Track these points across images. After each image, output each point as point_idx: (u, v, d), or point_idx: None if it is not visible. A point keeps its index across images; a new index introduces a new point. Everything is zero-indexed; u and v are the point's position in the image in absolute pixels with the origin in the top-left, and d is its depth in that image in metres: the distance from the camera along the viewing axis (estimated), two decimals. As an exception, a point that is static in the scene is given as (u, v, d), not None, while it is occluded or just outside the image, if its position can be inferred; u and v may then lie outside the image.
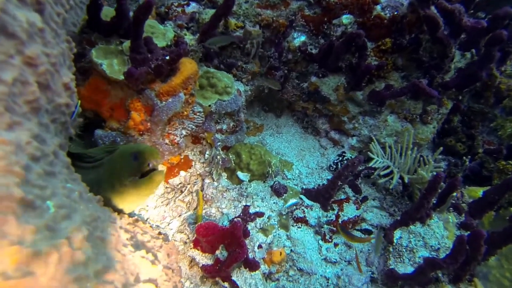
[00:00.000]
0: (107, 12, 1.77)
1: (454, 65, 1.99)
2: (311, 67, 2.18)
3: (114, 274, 0.75)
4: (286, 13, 2.03)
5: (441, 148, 1.91)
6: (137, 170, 1.35)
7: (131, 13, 1.69)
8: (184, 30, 1.95)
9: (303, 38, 2.08)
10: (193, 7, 2.03)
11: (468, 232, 1.73)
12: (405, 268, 1.70)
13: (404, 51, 1.96)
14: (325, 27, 2.01)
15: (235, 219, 1.95)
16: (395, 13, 1.87)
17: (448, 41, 1.76)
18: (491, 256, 1.57)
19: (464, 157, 2.16)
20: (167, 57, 1.70)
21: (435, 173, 1.59)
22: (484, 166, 2.11)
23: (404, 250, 1.73)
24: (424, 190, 1.62)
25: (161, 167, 2.12)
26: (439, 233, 1.70)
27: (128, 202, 1.44)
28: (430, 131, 2.15)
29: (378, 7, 1.90)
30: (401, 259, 1.73)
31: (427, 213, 1.69)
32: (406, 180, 1.92)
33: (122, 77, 1.64)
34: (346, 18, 1.93)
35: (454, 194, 1.72)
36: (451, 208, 1.82)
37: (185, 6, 2.01)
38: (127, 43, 1.72)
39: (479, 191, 1.82)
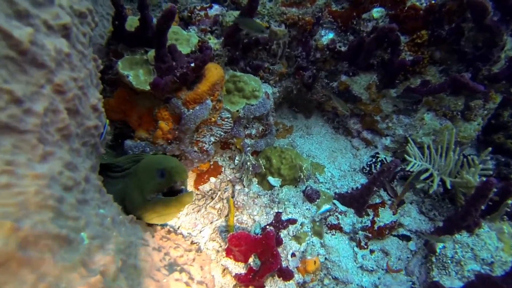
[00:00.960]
0: (132, 22, 1.77)
1: (505, 54, 1.80)
2: (340, 65, 2.07)
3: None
4: (312, 10, 1.93)
5: (490, 148, 1.75)
6: (162, 188, 1.32)
7: (154, 21, 1.67)
8: (208, 35, 1.91)
9: (331, 36, 1.98)
10: (216, 9, 1.98)
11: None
12: (451, 281, 1.58)
13: (442, 43, 1.81)
14: (354, 22, 1.89)
15: (267, 227, 1.91)
16: (433, 1, 1.72)
17: (498, 28, 1.59)
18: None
19: (513, 157, 1.98)
20: (192, 64, 1.66)
21: (484, 178, 1.45)
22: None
23: (449, 261, 1.61)
24: (471, 197, 1.48)
25: (190, 187, 2.11)
26: (491, 244, 1.56)
27: (153, 217, 1.37)
28: (474, 128, 1.98)
29: (413, -3, 1.76)
30: (447, 271, 1.61)
31: (475, 221, 1.56)
32: (448, 185, 1.77)
33: (148, 88, 1.63)
34: (377, 12, 1.80)
35: (510, 201, 1.57)
36: (505, 217, 1.66)
37: (208, 9, 1.97)
38: (151, 52, 1.71)
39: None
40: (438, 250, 1.67)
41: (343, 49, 1.99)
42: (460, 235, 1.64)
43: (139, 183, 1.37)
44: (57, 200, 0.68)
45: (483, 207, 1.67)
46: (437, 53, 1.88)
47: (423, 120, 2.01)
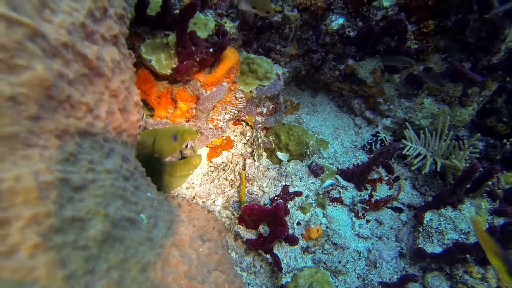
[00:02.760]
0: (153, 6, 1.83)
1: (506, 45, 1.90)
2: (348, 49, 2.16)
3: (194, 270, 0.93)
4: (325, -5, 1.99)
5: (478, 134, 1.91)
6: (176, 149, 1.47)
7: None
8: (224, 18, 1.97)
9: (341, 21, 2.05)
10: (231, -9, 2.03)
11: (503, 219, 1.80)
12: (433, 248, 1.82)
13: (448, 33, 1.89)
14: (364, 9, 1.96)
15: (276, 198, 2.13)
16: (443, -7, 1.79)
17: (501, 22, 1.68)
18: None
19: (504, 140, 2.14)
20: (211, 50, 1.77)
21: (470, 161, 1.63)
22: (525, 150, 2.09)
23: (434, 231, 1.84)
24: (458, 178, 1.68)
25: (200, 151, 2.30)
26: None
27: (168, 182, 1.54)
28: (469, 113, 2.13)
29: (424, -13, 1.81)
30: (431, 239, 1.85)
31: (459, 198, 1.76)
32: (438, 167, 1.96)
33: (170, 71, 1.74)
34: (387, 0, 1.86)
35: (490, 182, 1.77)
36: (485, 194, 1.87)
37: (224, -9, 2.01)
38: (172, 37, 1.80)
39: (516, 177, 1.84)
40: (425, 222, 1.90)
41: (352, 34, 2.06)
42: (445, 209, 1.86)
43: (157, 152, 1.55)
44: (122, 190, 0.86)
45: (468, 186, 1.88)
46: (442, 42, 1.96)
47: (422, 104, 2.14)
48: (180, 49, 1.69)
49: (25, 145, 0.62)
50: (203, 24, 1.88)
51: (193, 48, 1.73)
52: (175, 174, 1.53)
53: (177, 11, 1.68)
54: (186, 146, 1.54)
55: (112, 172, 0.84)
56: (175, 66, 1.71)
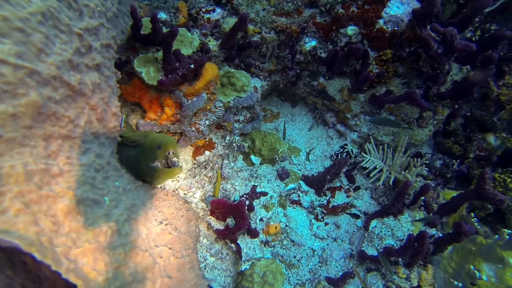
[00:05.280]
0: (147, 24, 2.17)
1: (451, 77, 2.13)
2: (321, 67, 2.43)
3: (142, 241, 1.26)
4: (298, 20, 2.26)
5: (424, 157, 2.15)
6: (160, 157, 1.79)
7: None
8: (208, 37, 2.29)
9: (313, 43, 2.32)
10: (218, 13, 2.34)
11: (432, 229, 2.05)
12: (373, 251, 2.09)
13: (404, 61, 2.14)
14: (333, 34, 2.22)
15: (245, 196, 2.44)
16: (396, 28, 2.03)
17: (441, 59, 1.92)
18: (443, 250, 1.90)
19: (454, 160, 2.37)
20: (192, 66, 2.08)
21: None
22: (470, 171, 2.32)
23: (375, 237, 2.11)
24: (396, 192, 1.94)
25: (185, 150, 2.63)
26: (406, 227, 2.05)
27: (153, 181, 1.88)
28: (426, 133, 2.37)
29: (381, 21, 2.06)
30: (372, 243, 2.12)
31: (399, 209, 2.02)
32: (392, 179, 2.22)
33: (156, 83, 2.07)
34: (351, 30, 2.12)
35: (423, 198, 2.02)
36: (423, 207, 2.12)
37: (211, 13, 2.33)
38: (160, 53, 2.13)
39: (452, 194, 2.08)
40: (370, 228, 2.17)
41: (323, 55, 2.34)
42: (388, 218, 2.12)
43: (145, 155, 1.88)
44: (92, 178, 1.19)
45: (410, 199, 2.14)
46: (401, 68, 2.21)
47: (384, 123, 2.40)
48: (165, 65, 2.02)
49: (20, 145, 0.96)
50: (189, 42, 2.20)
51: (177, 64, 2.05)
52: (159, 177, 1.87)
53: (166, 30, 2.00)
54: (169, 153, 1.86)
55: (85, 165, 1.18)
56: (160, 78, 2.04)
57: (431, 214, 2.07)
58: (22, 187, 0.90)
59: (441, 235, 2.03)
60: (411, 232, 2.02)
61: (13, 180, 0.89)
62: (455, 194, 2.04)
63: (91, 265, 0.97)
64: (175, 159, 1.87)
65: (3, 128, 0.91)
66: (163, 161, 1.86)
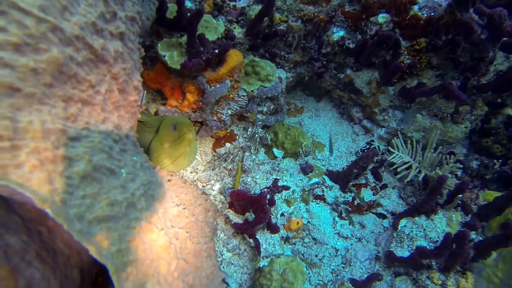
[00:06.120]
0: (172, 9, 2.15)
1: (495, 67, 1.97)
2: (348, 59, 2.33)
3: (157, 218, 1.19)
4: (327, 9, 2.18)
5: (464, 151, 1.98)
6: (175, 137, 1.73)
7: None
8: (234, 24, 2.24)
9: (341, 33, 2.22)
10: (243, 1, 2.29)
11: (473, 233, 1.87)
12: (403, 252, 1.93)
13: (439, 51, 2.00)
14: (363, 23, 2.12)
15: (264, 189, 2.34)
16: (432, 14, 1.91)
17: (484, 45, 1.78)
18: (486, 256, 1.72)
19: (495, 160, 2.18)
20: (216, 51, 2.03)
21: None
22: (515, 172, 2.12)
23: (405, 237, 1.95)
24: (429, 189, 1.79)
25: (206, 141, 2.57)
26: (440, 228, 1.88)
27: (168, 163, 1.79)
28: (461, 130, 2.20)
29: (416, 7, 1.94)
30: (401, 244, 1.96)
31: (432, 208, 1.86)
32: (421, 177, 2.06)
33: (179, 67, 2.03)
34: (382, 17, 2.01)
35: (460, 196, 1.85)
36: (459, 208, 1.94)
37: (236, 1, 2.28)
38: (185, 37, 2.09)
39: (494, 196, 1.90)
40: (399, 228, 2.02)
41: (351, 46, 2.23)
42: (419, 218, 1.96)
43: (160, 136, 1.83)
44: (109, 148, 1.13)
45: (444, 198, 1.97)
46: (435, 59, 2.07)
47: (415, 117, 2.25)
48: (189, 49, 1.98)
49: (39, 102, 0.92)
50: (214, 28, 2.16)
51: (201, 48, 2.01)
52: (172, 155, 1.81)
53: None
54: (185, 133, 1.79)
55: (103, 133, 1.13)
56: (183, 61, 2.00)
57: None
58: (38, 143, 0.86)
59: (481, 239, 1.85)
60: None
61: (30, 136, 0.85)
62: (499, 195, 1.86)
63: (104, 234, 0.91)
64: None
65: (23, 82, 0.87)
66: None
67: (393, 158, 2.19)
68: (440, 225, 1.88)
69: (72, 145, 0.97)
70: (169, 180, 1.72)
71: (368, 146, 2.51)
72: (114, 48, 1.20)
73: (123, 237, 0.97)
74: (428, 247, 1.87)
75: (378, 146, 2.50)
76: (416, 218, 1.97)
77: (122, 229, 0.99)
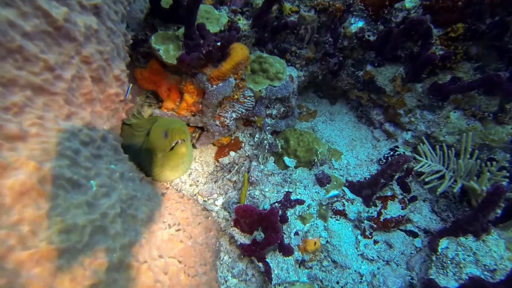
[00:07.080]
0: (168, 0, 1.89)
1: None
2: (367, 54, 2.04)
3: (139, 248, 0.88)
4: (344, -4, 1.91)
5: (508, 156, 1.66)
6: (166, 146, 1.43)
7: None
8: (238, 15, 1.98)
9: (361, 24, 1.95)
10: (249, -10, 2.03)
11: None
12: (448, 281, 1.58)
13: (481, 38, 1.71)
14: (386, 11, 1.84)
15: (275, 204, 2.02)
16: (474, -8, 1.62)
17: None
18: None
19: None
20: (218, 43, 1.76)
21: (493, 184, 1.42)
22: None
23: (449, 262, 1.61)
24: (481, 202, 1.46)
25: (210, 159, 2.27)
26: (497, 252, 1.53)
27: (161, 173, 1.51)
28: (507, 132, 1.88)
29: (453, -12, 1.66)
30: (445, 271, 1.61)
31: (483, 227, 1.53)
32: (457, 188, 1.74)
33: (176, 62, 1.76)
34: (410, 2, 1.73)
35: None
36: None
37: (241, -10, 2.03)
38: (182, 29, 1.83)
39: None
40: (440, 250, 1.68)
41: (371, 38, 1.95)
42: (466, 238, 1.62)
43: (151, 142, 1.53)
44: (74, 152, 0.84)
45: (498, 213, 1.64)
46: (474, 49, 1.78)
47: (448, 118, 1.94)
48: (187, 41, 1.71)
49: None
50: (216, 19, 1.89)
51: (201, 41, 1.74)
52: (165, 166, 1.51)
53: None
54: (176, 143, 1.48)
55: (66, 132, 0.83)
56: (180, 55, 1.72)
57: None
58: None
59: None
60: (506, 259, 1.50)
61: None
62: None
63: (46, 280, 0.60)
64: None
65: None
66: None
67: (421, 167, 1.87)
68: (497, 248, 1.54)
69: (10, 147, 0.67)
70: (162, 194, 1.41)
71: (392, 153, 2.19)
72: (84, 23, 0.92)
73: (82, 282, 0.66)
74: (483, 277, 1.52)
75: (404, 152, 2.18)
76: (461, 238, 1.63)
77: (81, 269, 0.67)
